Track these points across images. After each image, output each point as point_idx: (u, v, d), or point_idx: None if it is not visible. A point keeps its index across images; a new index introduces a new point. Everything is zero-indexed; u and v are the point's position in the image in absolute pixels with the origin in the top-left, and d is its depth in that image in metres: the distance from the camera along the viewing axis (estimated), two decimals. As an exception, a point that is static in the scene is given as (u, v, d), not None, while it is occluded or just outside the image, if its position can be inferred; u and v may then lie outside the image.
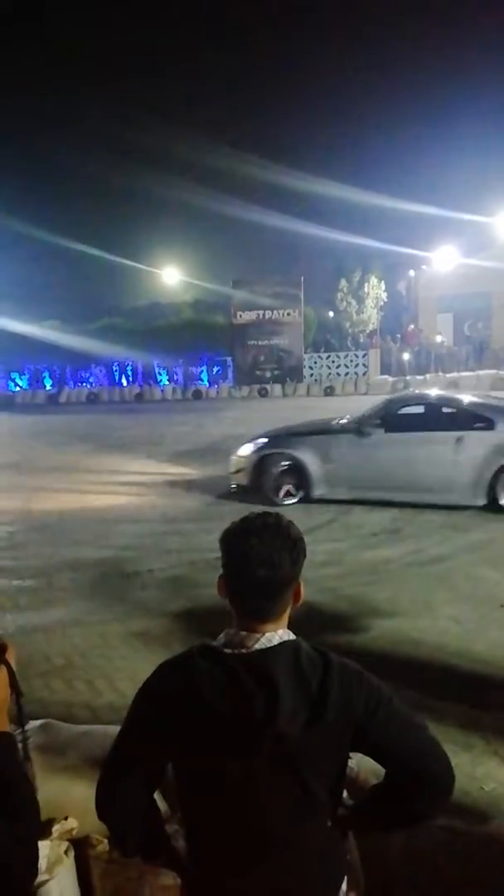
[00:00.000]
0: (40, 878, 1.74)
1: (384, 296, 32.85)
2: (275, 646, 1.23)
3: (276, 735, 1.17)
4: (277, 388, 27.26)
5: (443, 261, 32.60)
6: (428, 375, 26.67)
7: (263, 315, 28.34)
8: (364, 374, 28.05)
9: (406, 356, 28.90)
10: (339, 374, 28.42)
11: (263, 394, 26.91)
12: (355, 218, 33.94)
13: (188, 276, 36.13)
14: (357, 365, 28.52)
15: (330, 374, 28.53)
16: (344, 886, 1.35)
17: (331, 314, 33.77)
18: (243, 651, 1.23)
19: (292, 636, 1.28)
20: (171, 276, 37.43)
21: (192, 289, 35.98)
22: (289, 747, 1.18)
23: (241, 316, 28.50)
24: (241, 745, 1.19)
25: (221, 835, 1.25)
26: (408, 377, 26.48)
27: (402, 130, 63.52)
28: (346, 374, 28.35)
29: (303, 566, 1.31)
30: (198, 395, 28.21)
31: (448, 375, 26.05)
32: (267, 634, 1.24)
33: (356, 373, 28.24)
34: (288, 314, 28.27)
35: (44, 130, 52.95)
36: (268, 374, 28.47)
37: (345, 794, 1.38)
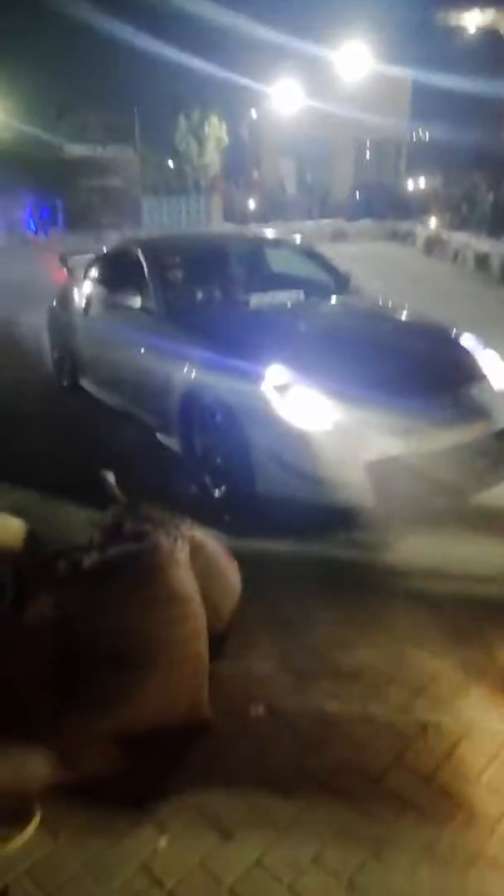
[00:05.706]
0: None
1: (226, 138, 30.90)
2: None
3: None
4: (115, 235, 25.25)
5: (284, 100, 30.85)
6: (270, 224, 26.02)
7: (96, 150, 25.60)
8: (207, 221, 26.79)
9: (252, 203, 27.92)
10: (180, 222, 26.90)
11: (98, 241, 24.85)
12: (191, 30, 29.74)
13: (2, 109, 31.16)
14: (199, 212, 27.09)
15: (170, 220, 26.91)
16: None
17: (171, 163, 31.32)
18: None
19: None
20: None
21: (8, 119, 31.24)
22: None
23: (68, 151, 25.53)
24: None
25: None
26: (252, 225, 25.66)
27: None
28: (188, 220, 26.90)
29: None
30: (24, 242, 25.45)
31: (290, 224, 25.62)
32: None
33: (199, 220, 26.88)
34: (122, 151, 25.77)
35: None
36: (103, 220, 26.24)
37: None
